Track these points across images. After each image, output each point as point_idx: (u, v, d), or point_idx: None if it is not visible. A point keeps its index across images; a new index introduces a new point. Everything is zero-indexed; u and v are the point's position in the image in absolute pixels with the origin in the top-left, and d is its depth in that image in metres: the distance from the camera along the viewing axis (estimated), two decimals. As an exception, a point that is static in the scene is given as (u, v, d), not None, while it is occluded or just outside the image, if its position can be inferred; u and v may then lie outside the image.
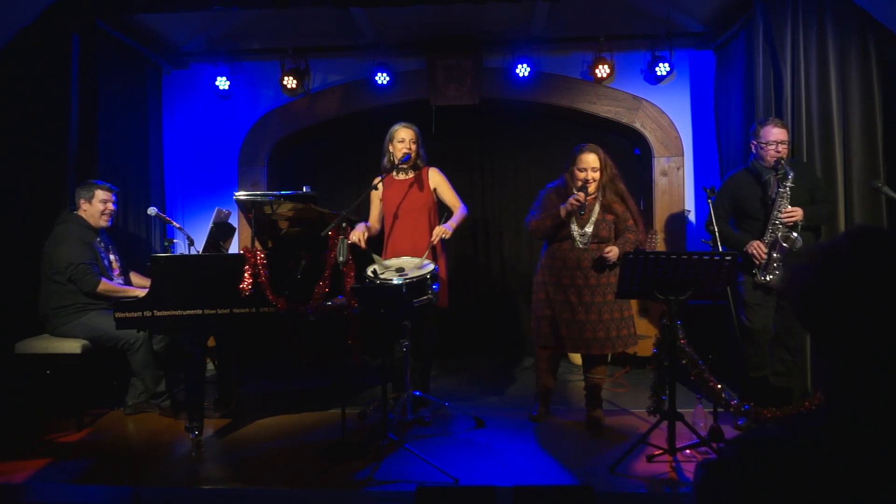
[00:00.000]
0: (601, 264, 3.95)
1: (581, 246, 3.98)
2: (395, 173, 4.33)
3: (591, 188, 3.97)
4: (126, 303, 3.74)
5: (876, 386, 0.92)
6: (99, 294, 4.26)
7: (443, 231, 4.13)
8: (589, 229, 3.98)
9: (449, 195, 4.36)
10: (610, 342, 3.95)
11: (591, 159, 3.97)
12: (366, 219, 4.45)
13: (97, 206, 4.39)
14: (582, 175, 3.95)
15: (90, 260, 4.25)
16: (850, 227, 0.99)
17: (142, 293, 3.98)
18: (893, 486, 0.86)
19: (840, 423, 0.93)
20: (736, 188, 4.16)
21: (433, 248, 4.16)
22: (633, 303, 5.60)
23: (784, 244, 3.90)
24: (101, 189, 4.41)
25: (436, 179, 4.35)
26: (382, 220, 4.40)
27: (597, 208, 4.00)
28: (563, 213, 3.93)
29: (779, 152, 3.98)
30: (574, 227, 3.99)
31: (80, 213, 4.38)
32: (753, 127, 4.16)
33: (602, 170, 3.99)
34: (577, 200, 3.86)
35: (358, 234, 4.11)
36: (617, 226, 4.02)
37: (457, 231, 4.33)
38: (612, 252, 3.90)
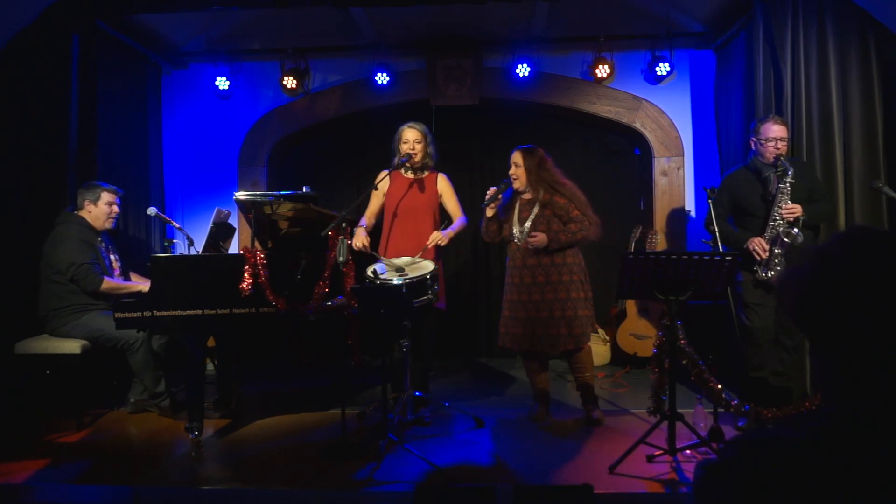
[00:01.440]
0: (547, 260, 4.03)
1: (519, 243, 4.08)
2: (402, 171, 4.34)
3: (517, 185, 4.13)
4: (126, 303, 3.74)
5: (876, 386, 0.91)
6: (102, 292, 4.25)
7: (439, 237, 4.15)
8: (526, 226, 4.05)
9: (452, 203, 4.40)
10: (564, 339, 4.00)
11: (514, 156, 4.15)
12: (363, 214, 4.46)
13: (102, 209, 4.40)
14: (510, 172, 4.13)
15: (92, 259, 4.25)
16: (846, 228, 0.99)
17: (146, 287, 3.98)
18: (894, 486, 0.86)
19: (840, 423, 0.93)
20: (735, 186, 4.16)
21: (434, 250, 4.17)
22: (631, 303, 5.63)
23: (785, 239, 3.90)
24: (107, 191, 4.42)
25: (443, 186, 4.38)
26: (380, 217, 4.41)
27: (536, 207, 4.05)
28: (488, 211, 4.14)
29: (778, 149, 3.99)
30: (515, 227, 4.08)
31: (84, 213, 4.37)
32: (753, 124, 4.17)
33: (527, 167, 4.08)
34: (488, 193, 4.10)
35: (361, 240, 4.18)
36: (561, 219, 4.03)
37: (457, 232, 4.35)
38: (537, 238, 3.96)
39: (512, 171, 4.12)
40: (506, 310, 4.16)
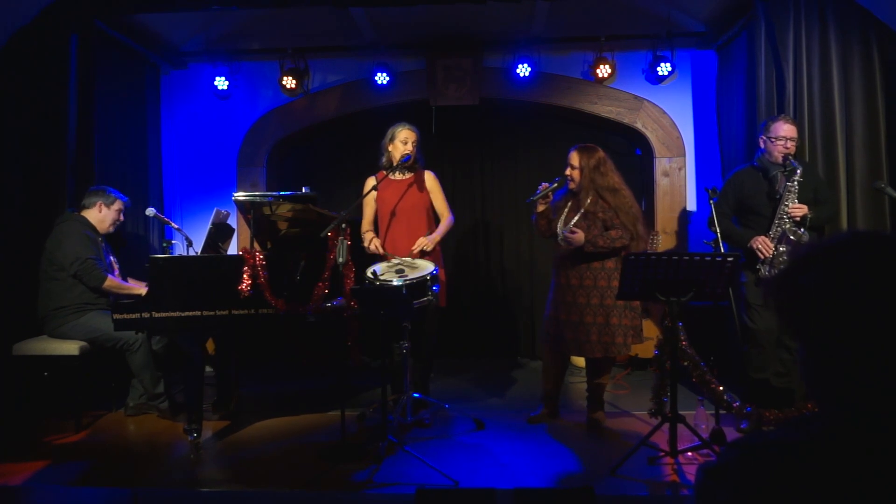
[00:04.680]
0: (584, 262, 3.93)
1: (562, 244, 3.99)
2: (392, 174, 4.33)
3: (572, 185, 4.02)
4: (124, 304, 3.72)
5: (879, 389, 0.90)
6: (105, 290, 4.25)
7: (424, 243, 4.13)
8: (569, 227, 3.96)
9: (440, 202, 4.37)
10: (593, 346, 3.90)
11: (571, 156, 4.03)
12: (360, 220, 4.44)
13: (113, 214, 4.46)
14: (566, 171, 4.03)
15: (95, 255, 4.25)
16: (854, 233, 0.97)
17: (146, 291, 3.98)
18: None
19: (842, 426, 0.91)
20: (741, 184, 4.16)
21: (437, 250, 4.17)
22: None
23: (791, 238, 3.89)
24: (121, 200, 4.50)
25: (431, 184, 4.36)
26: (376, 222, 4.40)
27: (579, 213, 3.96)
28: (539, 206, 4.03)
29: (787, 148, 3.99)
30: (559, 226, 4.01)
31: (89, 213, 4.38)
32: (764, 122, 4.17)
33: (581, 167, 3.96)
34: (540, 187, 3.99)
35: (375, 243, 4.19)
36: (605, 226, 3.93)
37: (457, 232, 4.33)
38: (576, 235, 3.84)
39: (568, 171, 4.01)
40: (548, 308, 4.11)
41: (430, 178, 4.37)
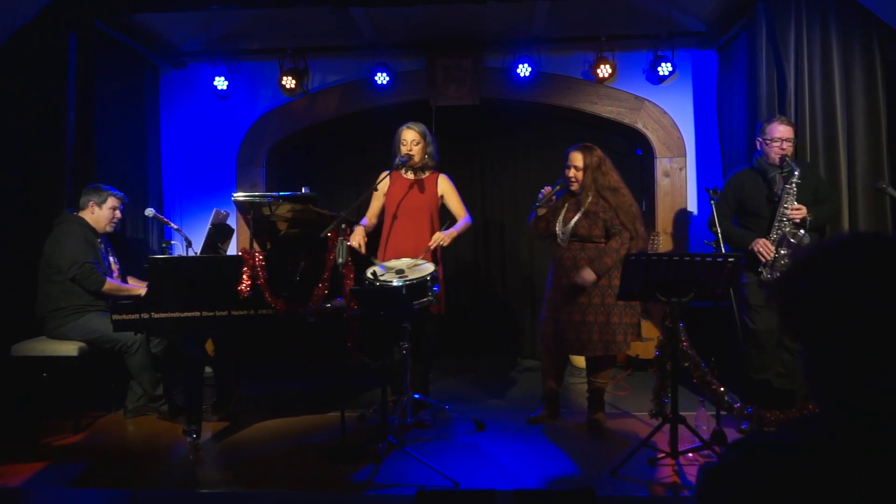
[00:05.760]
0: (580, 264, 3.91)
1: (561, 244, 3.97)
2: (402, 171, 4.33)
3: (574, 186, 3.99)
4: (123, 305, 3.71)
5: (880, 389, 0.89)
6: (104, 293, 4.23)
7: (441, 238, 4.11)
8: (569, 227, 3.96)
9: (455, 204, 4.37)
10: (594, 345, 3.89)
11: (574, 157, 3.99)
12: (364, 214, 4.44)
13: (106, 213, 4.40)
14: (567, 172, 3.99)
15: (94, 259, 4.23)
16: (854, 234, 0.98)
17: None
18: (896, 491, 0.84)
19: (843, 427, 0.91)
20: (740, 186, 4.15)
21: (433, 254, 4.15)
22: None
23: (792, 240, 3.88)
24: (114, 196, 4.44)
25: (444, 187, 4.35)
26: (381, 217, 4.40)
27: (580, 212, 3.94)
28: (539, 210, 4.00)
29: (783, 150, 3.98)
30: (558, 226, 3.99)
31: (85, 214, 4.36)
32: (760, 124, 4.16)
33: (585, 170, 3.94)
34: (542, 192, 3.95)
35: (358, 239, 4.13)
36: (606, 225, 3.93)
37: (461, 232, 4.32)
38: (586, 275, 3.82)
39: (571, 172, 3.97)
40: (545, 309, 4.10)
41: (443, 182, 4.36)
